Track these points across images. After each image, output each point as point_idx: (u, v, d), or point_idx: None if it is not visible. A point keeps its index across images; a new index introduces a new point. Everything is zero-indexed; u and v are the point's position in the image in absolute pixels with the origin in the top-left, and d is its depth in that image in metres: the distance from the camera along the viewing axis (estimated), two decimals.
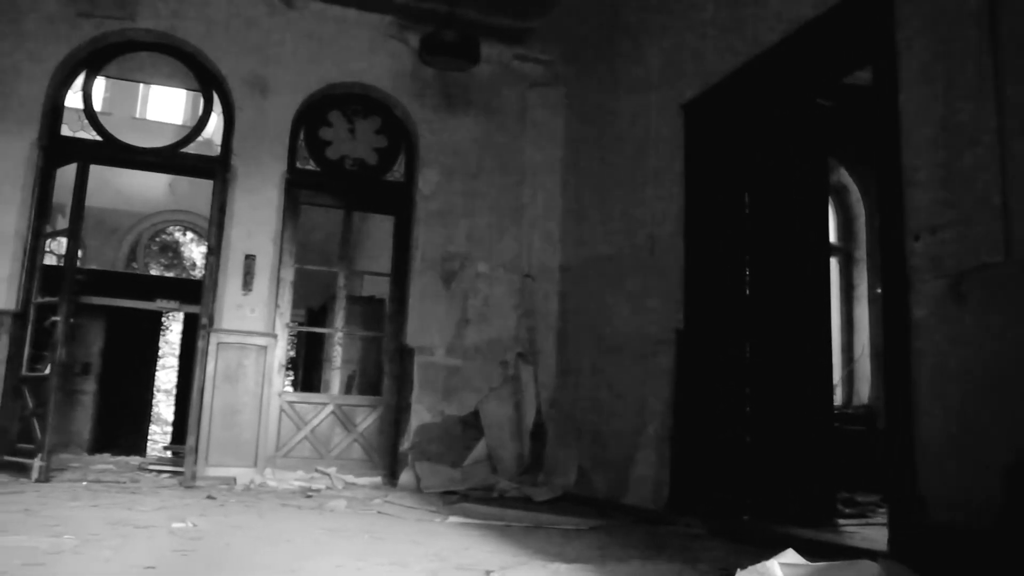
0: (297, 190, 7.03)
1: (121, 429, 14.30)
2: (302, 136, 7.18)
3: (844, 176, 8.51)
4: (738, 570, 2.06)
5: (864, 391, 8.14)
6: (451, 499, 5.83)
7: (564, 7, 7.00)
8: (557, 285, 7.40)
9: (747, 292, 5.42)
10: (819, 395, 5.21)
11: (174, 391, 17.50)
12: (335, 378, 7.28)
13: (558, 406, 7.12)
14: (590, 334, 6.76)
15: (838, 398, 7.80)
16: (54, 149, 6.55)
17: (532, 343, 7.27)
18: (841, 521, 4.95)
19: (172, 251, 18.10)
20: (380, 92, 7.31)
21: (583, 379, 6.79)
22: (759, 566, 1.98)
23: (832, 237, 7.80)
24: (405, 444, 6.78)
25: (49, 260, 6.70)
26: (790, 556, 2.02)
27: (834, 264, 8.28)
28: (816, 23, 4.45)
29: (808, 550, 2.53)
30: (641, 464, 5.68)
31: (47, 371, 6.14)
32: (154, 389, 16.17)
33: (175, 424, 15.80)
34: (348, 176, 7.26)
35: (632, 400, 5.95)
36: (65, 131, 6.79)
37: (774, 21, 4.80)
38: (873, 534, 4.34)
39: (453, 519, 4.63)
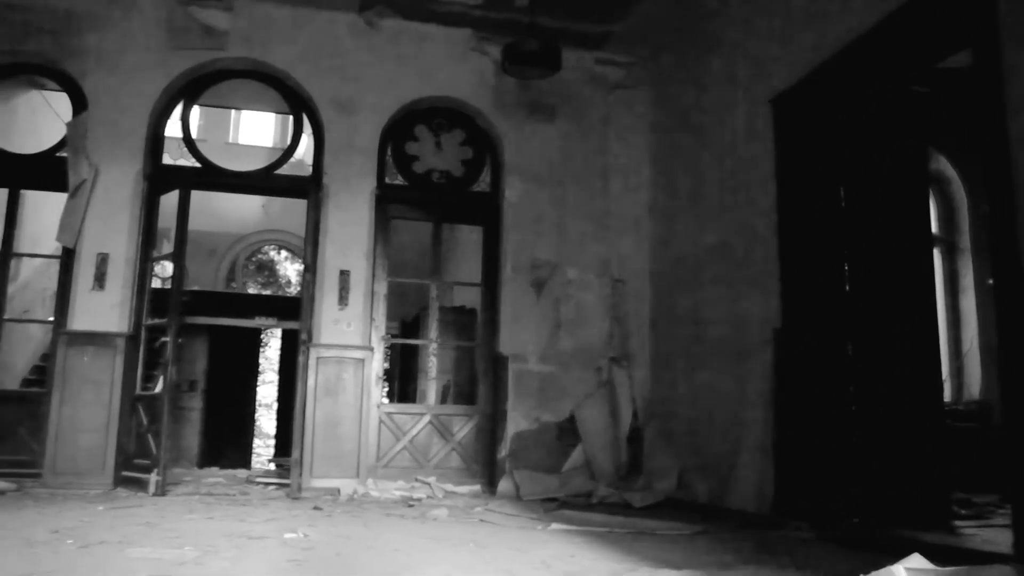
0: (387, 205, 7.18)
1: (227, 443, 14.85)
2: (390, 152, 7.32)
3: (944, 164, 8.19)
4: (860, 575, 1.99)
5: (974, 386, 7.81)
6: (551, 506, 5.84)
7: (644, 9, 6.95)
8: (648, 288, 7.34)
9: (847, 288, 5.27)
10: (927, 392, 5.01)
11: (274, 405, 18.03)
12: (431, 388, 7.39)
13: (654, 410, 7.05)
14: (684, 336, 6.69)
15: (947, 394, 7.50)
16: (157, 178, 6.86)
17: (625, 347, 7.22)
18: (957, 523, 4.75)
19: (268, 270, 18.68)
20: (463, 104, 7.40)
21: (679, 382, 6.71)
22: (884, 571, 1.91)
23: (934, 228, 7.52)
24: (502, 452, 6.83)
25: (153, 283, 6.98)
26: (916, 561, 1.94)
27: (937, 256, 7.98)
28: (909, 7, 4.31)
29: (928, 554, 2.44)
30: (743, 467, 5.58)
31: (158, 389, 6.41)
32: (256, 404, 16.68)
33: (277, 437, 16.29)
34: (436, 189, 7.37)
35: (731, 402, 5.85)
36: (166, 159, 7.10)
37: (864, 8, 4.68)
38: (994, 536, 4.16)
39: (555, 526, 4.63)
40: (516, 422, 6.89)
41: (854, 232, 5.25)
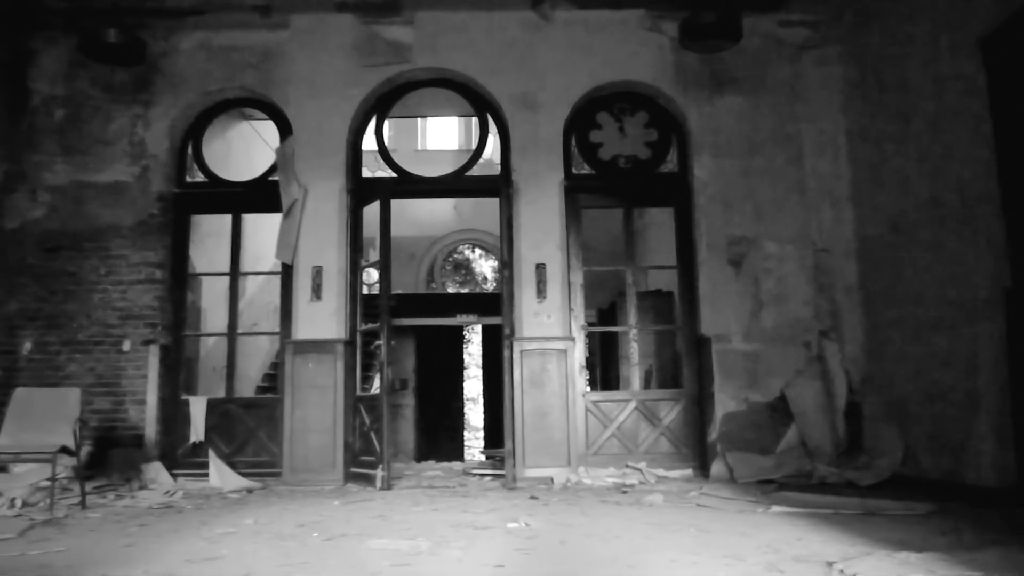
0: (576, 195, 7.23)
1: (439, 437, 15.54)
2: (574, 142, 7.36)
3: None
4: None
5: None
6: (768, 488, 5.68)
7: None
8: (854, 255, 6.95)
9: None
10: None
11: (480, 399, 18.62)
12: (634, 374, 7.36)
13: (872, 383, 6.68)
14: (898, 303, 6.28)
15: None
16: (358, 191, 7.28)
17: (834, 319, 6.89)
18: None
19: (464, 268, 19.34)
20: (643, 86, 7.31)
21: (896, 352, 6.32)
22: None
23: None
24: (712, 434, 6.71)
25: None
26: None
27: None
28: None
29: None
30: (978, 439, 5.18)
31: (375, 390, 6.79)
32: (463, 398, 17.31)
33: (485, 429, 16.83)
34: (623, 174, 7.34)
35: (958, 370, 5.44)
36: (364, 172, 7.51)
37: None
38: None
39: (776, 509, 4.50)
40: (724, 403, 6.75)
41: None
